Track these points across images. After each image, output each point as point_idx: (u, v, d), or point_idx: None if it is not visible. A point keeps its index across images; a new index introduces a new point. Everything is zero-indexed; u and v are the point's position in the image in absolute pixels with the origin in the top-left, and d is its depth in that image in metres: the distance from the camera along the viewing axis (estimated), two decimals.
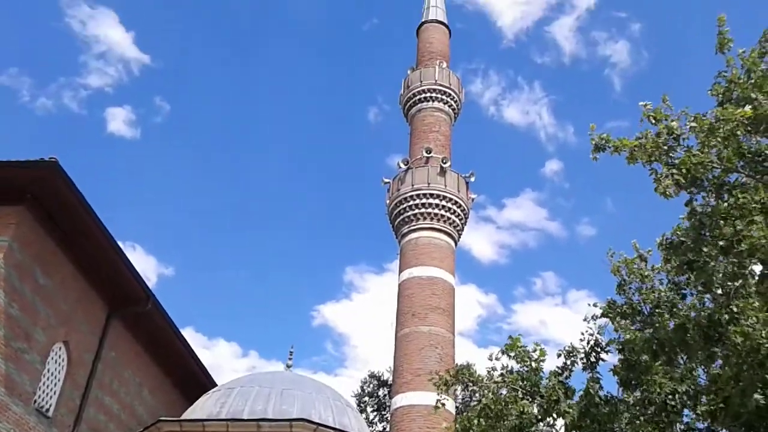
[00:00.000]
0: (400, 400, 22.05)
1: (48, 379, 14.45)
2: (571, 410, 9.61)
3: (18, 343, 13.35)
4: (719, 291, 10.22)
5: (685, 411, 10.77)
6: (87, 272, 15.50)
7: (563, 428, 10.33)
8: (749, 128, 9.37)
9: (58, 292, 14.63)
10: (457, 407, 21.54)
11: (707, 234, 9.79)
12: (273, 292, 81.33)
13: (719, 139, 9.13)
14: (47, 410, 14.31)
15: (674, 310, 11.09)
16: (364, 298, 74.37)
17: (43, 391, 14.28)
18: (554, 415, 10.35)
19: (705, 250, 9.69)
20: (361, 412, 28.86)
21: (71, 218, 14.19)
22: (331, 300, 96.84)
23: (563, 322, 69.28)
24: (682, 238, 10.24)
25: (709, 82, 10.00)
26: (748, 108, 8.85)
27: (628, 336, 10.86)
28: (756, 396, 8.44)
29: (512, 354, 11.26)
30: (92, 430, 15.79)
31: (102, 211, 14.43)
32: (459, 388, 13.65)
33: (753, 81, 9.45)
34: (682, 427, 10.43)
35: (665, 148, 9.33)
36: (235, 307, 77.70)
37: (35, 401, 13.92)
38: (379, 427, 31.02)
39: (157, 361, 18.96)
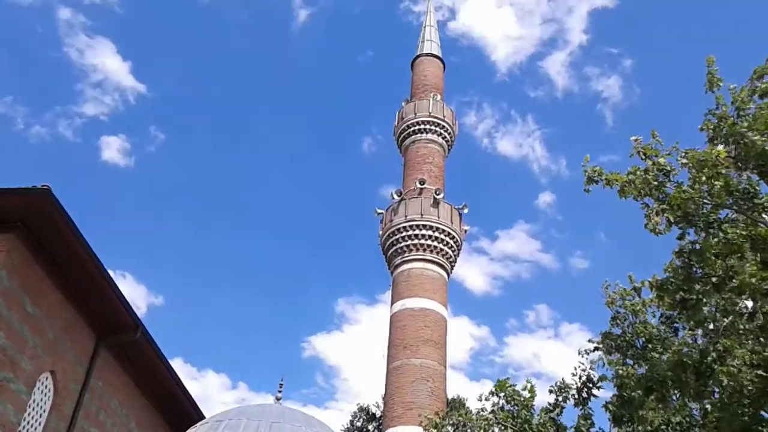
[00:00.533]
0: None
1: (33, 409, 14.20)
2: None
3: (4, 372, 13.15)
4: (711, 326, 10.24)
5: None
6: (76, 301, 15.36)
7: None
8: (739, 164, 9.48)
9: (46, 320, 14.47)
10: None
11: (698, 271, 9.83)
12: (264, 323, 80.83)
13: (704, 178, 9.23)
14: None
15: (666, 345, 11.09)
16: (355, 330, 73.95)
17: (28, 422, 14.03)
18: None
19: (697, 287, 9.73)
20: None
21: (62, 246, 14.11)
22: (322, 331, 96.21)
23: (556, 355, 68.94)
24: (672, 278, 10.28)
25: (700, 119, 10.16)
26: (722, 148, 8.97)
27: (621, 371, 10.83)
28: None
29: (501, 394, 11.22)
30: None
31: (94, 239, 14.36)
32: (450, 428, 13.53)
33: (742, 118, 9.59)
34: None
35: (655, 183, 9.42)
36: (225, 338, 77.09)
37: None
38: None
39: (145, 392, 18.68)
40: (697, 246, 9.49)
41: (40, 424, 14.37)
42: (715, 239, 9.22)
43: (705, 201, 9.58)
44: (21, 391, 13.71)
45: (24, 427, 13.87)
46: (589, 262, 77.34)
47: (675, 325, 11.86)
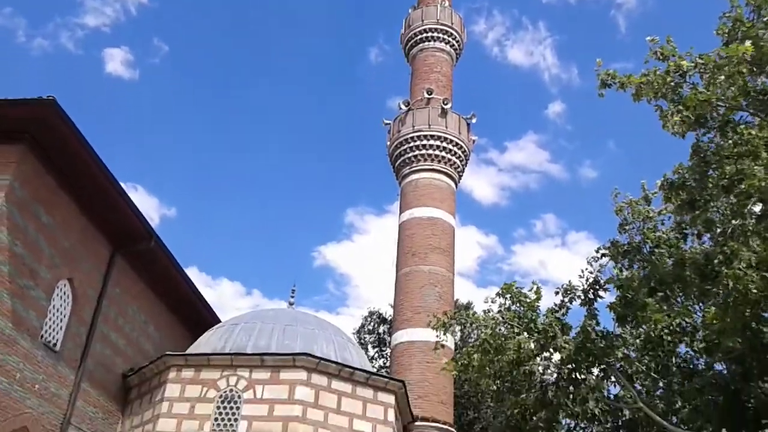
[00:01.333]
0: (400, 337, 22.47)
1: (54, 315, 14.67)
2: (567, 345, 9.80)
3: (23, 280, 13.51)
4: (719, 230, 10.30)
5: (681, 347, 11.02)
6: (89, 211, 15.55)
7: (560, 362, 10.56)
8: (754, 68, 9.27)
9: (61, 230, 14.71)
10: (456, 344, 21.93)
11: (711, 173, 9.81)
12: (275, 233, 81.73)
13: (723, 78, 9.04)
14: (54, 345, 14.58)
15: (673, 249, 11.20)
16: (365, 240, 74.80)
17: (50, 327, 14.52)
18: (551, 350, 10.57)
19: (708, 188, 9.73)
20: (362, 348, 29.41)
21: (71, 157, 14.14)
22: (331, 241, 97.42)
23: (562, 264, 69.87)
24: (684, 177, 10.27)
25: (714, 25, 9.86)
26: (748, 43, 8.73)
27: (627, 273, 11.01)
28: (737, 339, 8.62)
29: (508, 296, 11.43)
30: (99, 364, 16.15)
31: (102, 151, 14.35)
32: (458, 327, 13.90)
33: (760, 20, 9.30)
34: (678, 360, 10.69)
35: (672, 84, 9.24)
36: (238, 248, 78.22)
37: (42, 336, 14.18)
38: (379, 362, 31.68)
39: (162, 299, 19.22)
40: (712, 146, 9.43)
41: (61, 328, 14.87)
42: (730, 141, 9.15)
43: (720, 103, 9.43)
44: (41, 298, 14.13)
45: (46, 332, 14.36)
46: (598, 171, 77.08)
47: (684, 231, 11.93)
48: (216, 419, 15.87)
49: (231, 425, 15.76)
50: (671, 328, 10.18)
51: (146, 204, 67.75)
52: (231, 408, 16.00)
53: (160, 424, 15.84)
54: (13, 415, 13.21)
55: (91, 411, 15.84)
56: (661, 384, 10.81)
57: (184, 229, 75.60)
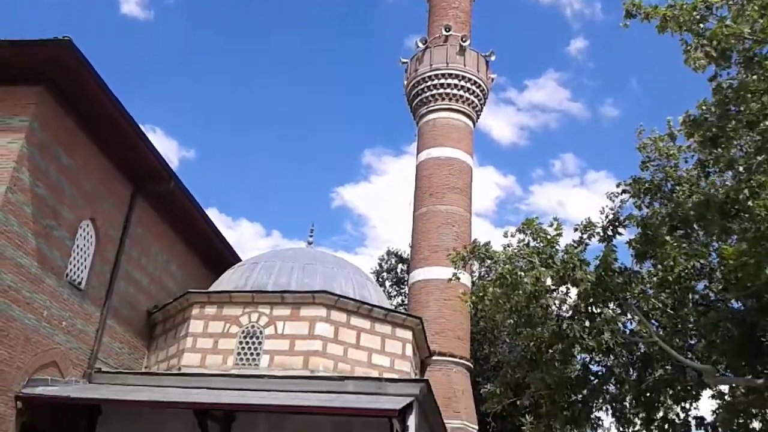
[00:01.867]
0: (417, 275, 22.76)
1: (78, 254, 14.98)
2: (585, 278, 9.85)
3: (46, 220, 13.75)
4: (741, 167, 10.19)
5: (699, 284, 11.06)
6: (109, 152, 15.66)
7: (577, 297, 10.66)
8: None
9: (81, 171, 14.87)
10: (473, 282, 22.18)
11: (733, 109, 9.63)
12: (293, 174, 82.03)
13: (756, 8, 8.76)
14: (79, 283, 14.95)
15: (694, 187, 11.11)
16: (382, 181, 74.89)
17: (74, 266, 14.86)
18: (569, 285, 10.66)
19: (730, 125, 9.58)
20: (380, 286, 29.83)
21: (89, 98, 14.15)
22: (349, 182, 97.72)
23: (581, 204, 69.71)
24: (706, 114, 10.11)
25: None
26: None
27: (648, 212, 10.96)
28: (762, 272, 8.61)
29: (528, 231, 11.43)
30: (123, 302, 16.57)
31: (119, 93, 14.34)
32: (475, 264, 14.00)
33: None
34: (696, 297, 10.75)
35: (697, 17, 8.99)
36: (257, 189, 78.77)
37: (67, 275, 14.52)
38: (397, 300, 32.15)
39: (183, 238, 19.52)
40: (735, 83, 9.22)
41: (85, 267, 15.22)
42: (755, 76, 8.94)
43: (747, 36, 9.17)
44: (64, 238, 14.41)
45: (71, 270, 14.71)
46: (619, 110, 75.90)
47: (707, 170, 11.80)
48: (239, 354, 16.34)
49: (254, 359, 16.22)
50: (688, 269, 10.20)
51: (165, 146, 68.19)
52: (253, 343, 16.44)
53: (185, 359, 16.35)
54: (43, 351, 13.68)
55: (117, 346, 16.36)
56: (676, 320, 10.90)
57: (204, 170, 76.13)
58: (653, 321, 10.95)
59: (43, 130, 13.57)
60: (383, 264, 35.11)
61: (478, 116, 26.56)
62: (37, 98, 13.44)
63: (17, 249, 12.90)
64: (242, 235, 71.03)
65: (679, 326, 10.76)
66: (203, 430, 13.29)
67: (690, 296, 10.61)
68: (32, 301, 13.32)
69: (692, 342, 11.36)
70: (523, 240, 11.20)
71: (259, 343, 16.42)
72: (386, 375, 15.87)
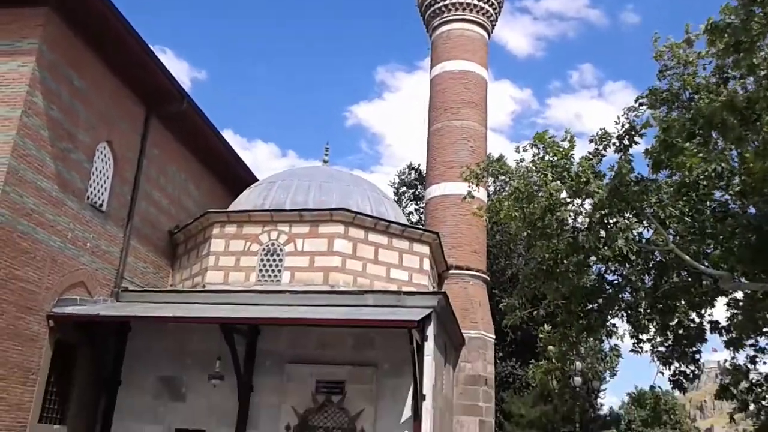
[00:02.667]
0: (433, 191, 22.80)
1: (97, 176, 15.14)
2: (600, 190, 9.80)
3: (63, 143, 13.82)
4: (763, 72, 9.90)
5: (716, 192, 10.98)
6: (120, 73, 15.53)
7: (591, 208, 10.65)
8: None
9: (94, 93, 14.80)
10: (489, 197, 22.20)
11: (757, 10, 9.26)
12: (307, 94, 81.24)
13: None
14: (101, 205, 15.18)
15: (713, 95, 10.84)
16: (396, 97, 74.00)
17: (94, 188, 15.05)
18: (583, 197, 10.62)
19: (754, 28, 9.24)
20: (398, 203, 29.97)
21: (96, 17, 13.89)
22: (363, 100, 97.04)
23: (598, 115, 68.61)
24: (729, 18, 9.74)
25: None
26: None
27: (665, 118, 10.75)
28: None
29: (541, 146, 11.29)
30: (145, 222, 16.86)
31: (127, 13, 14.11)
32: (490, 180, 13.93)
33: None
34: (713, 205, 10.69)
35: None
36: (271, 109, 78.32)
37: (88, 197, 14.74)
38: (416, 217, 32.35)
39: (200, 159, 19.60)
40: None
41: (105, 189, 15.41)
42: None
43: None
44: (82, 161, 14.52)
45: (92, 193, 14.91)
46: (640, 16, 73.32)
47: (726, 76, 11.47)
48: (261, 270, 16.70)
49: (275, 276, 16.59)
50: (707, 173, 10.10)
51: (176, 67, 67.66)
52: (274, 260, 16.76)
53: (208, 276, 16.75)
54: (70, 272, 14.07)
55: (141, 266, 16.77)
56: (693, 228, 10.89)
57: (216, 91, 75.77)
58: (669, 229, 10.94)
59: (52, 51, 13.43)
60: (404, 178, 35.06)
61: (493, 26, 25.81)
62: (44, 19, 13.24)
63: (37, 173, 13.06)
64: (258, 155, 71.35)
65: (696, 233, 10.75)
66: (229, 344, 13.76)
67: (707, 203, 10.54)
68: (56, 224, 13.60)
69: (708, 250, 11.39)
70: (537, 154, 11.07)
71: (280, 260, 16.74)
72: (405, 289, 16.20)
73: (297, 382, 14.35)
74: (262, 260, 16.80)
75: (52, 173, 13.49)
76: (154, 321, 14.88)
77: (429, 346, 14.01)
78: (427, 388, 13.67)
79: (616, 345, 14.50)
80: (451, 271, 21.14)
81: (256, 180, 20.86)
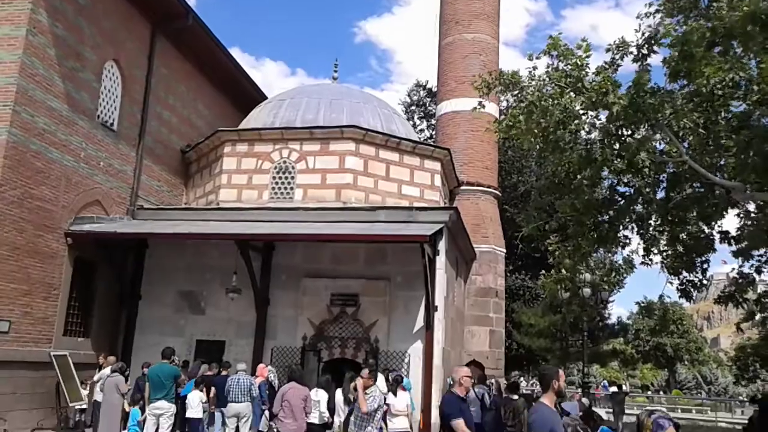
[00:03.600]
0: (444, 107, 22.53)
1: (106, 96, 15.05)
2: (618, 101, 9.63)
3: (70, 62, 13.68)
4: None
5: (733, 103, 10.77)
6: None
7: (606, 120, 10.50)
8: None
9: (99, 10, 14.51)
10: (500, 112, 21.96)
11: None
12: (314, 10, 78.93)
13: None
14: (111, 125, 15.17)
15: (735, 2, 10.46)
16: (406, 11, 71.85)
17: (104, 108, 15.00)
18: (599, 109, 10.46)
19: None
20: (409, 119, 29.70)
21: None
22: (372, 15, 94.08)
23: (615, 27, 66.50)
24: None
25: None
26: None
27: (685, 26, 10.42)
28: None
29: (555, 53, 10.99)
30: (156, 141, 16.87)
31: None
32: (502, 96, 13.68)
33: None
34: (728, 116, 10.51)
35: None
36: (279, 26, 76.39)
37: (98, 116, 14.71)
38: (427, 133, 32.13)
39: (208, 77, 19.36)
40: None
41: (115, 109, 15.35)
42: None
43: None
44: (91, 80, 14.40)
45: (102, 112, 14.87)
46: None
47: None
48: (273, 188, 16.81)
49: (288, 193, 16.71)
50: (724, 82, 9.88)
51: None
52: (286, 178, 16.84)
53: (221, 194, 16.91)
54: (85, 190, 14.24)
55: (155, 184, 16.91)
56: (707, 139, 10.76)
57: (222, 8, 73.53)
58: (684, 141, 10.82)
59: None
60: (412, 96, 34.61)
61: None
62: None
63: (46, 92, 13.00)
64: (267, 74, 70.26)
65: (710, 145, 10.64)
66: (245, 260, 14.04)
67: (722, 114, 10.36)
68: (68, 143, 13.65)
69: (722, 162, 11.29)
70: (552, 64, 10.81)
71: (292, 177, 16.81)
72: (416, 205, 16.31)
73: (312, 296, 14.73)
74: (274, 178, 16.88)
75: (61, 92, 13.42)
76: (171, 238, 15.15)
77: (440, 260, 14.26)
78: (438, 300, 14.02)
79: (629, 255, 14.61)
80: (462, 188, 21.19)
81: (266, 98, 20.67)
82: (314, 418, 9.41)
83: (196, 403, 11.56)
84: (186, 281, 15.53)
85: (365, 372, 8.23)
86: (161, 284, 15.60)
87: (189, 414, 11.59)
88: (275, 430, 9.68)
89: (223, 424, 11.39)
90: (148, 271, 15.86)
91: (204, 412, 11.74)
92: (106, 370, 12.09)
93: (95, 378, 13.05)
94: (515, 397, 11.28)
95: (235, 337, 15.02)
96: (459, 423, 5.75)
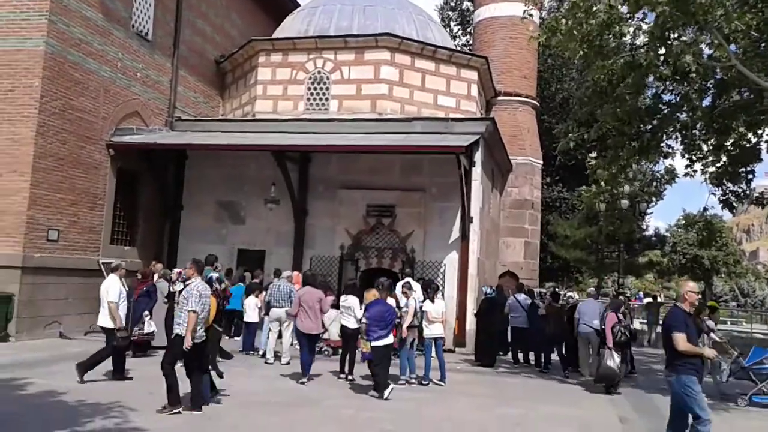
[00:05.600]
0: (483, 13, 21.76)
1: (139, 4, 14.87)
2: (664, 1, 9.15)
3: None
4: None
5: None
6: None
7: (653, 23, 10.04)
8: None
9: None
10: (542, 19, 21.16)
11: None
12: None
13: None
14: (146, 34, 15.07)
15: None
16: None
17: (138, 17, 14.85)
18: (645, 10, 10.00)
19: None
20: (445, 26, 28.84)
21: None
22: None
23: None
24: None
25: None
26: None
27: None
28: None
29: None
30: (191, 51, 16.76)
31: None
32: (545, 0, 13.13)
33: None
34: None
35: None
36: None
37: (133, 26, 14.61)
38: (462, 40, 31.21)
39: None
40: None
41: (149, 18, 15.19)
42: None
43: None
44: None
45: (136, 21, 14.73)
46: None
47: None
48: (308, 99, 16.72)
49: (323, 104, 16.62)
50: None
51: None
52: (321, 89, 16.70)
53: (257, 106, 16.90)
54: (123, 101, 14.35)
55: (192, 95, 16.94)
56: (759, 42, 10.25)
57: None
58: (732, 45, 10.33)
59: None
60: (448, 2, 33.37)
61: None
62: None
63: (80, 1, 12.90)
64: None
65: (761, 48, 10.15)
66: (283, 171, 14.18)
67: None
68: (105, 54, 13.66)
69: None
70: None
71: (327, 88, 16.66)
72: (452, 116, 16.09)
73: (348, 206, 14.89)
74: (309, 89, 16.76)
75: (95, 1, 13.32)
76: (211, 149, 15.31)
77: (476, 171, 14.19)
78: (474, 211, 14.06)
79: (671, 165, 14.39)
80: (499, 98, 20.77)
81: (298, 5, 20.21)
82: (349, 322, 9.76)
83: (252, 308, 12.05)
84: (225, 192, 15.81)
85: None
86: (201, 194, 15.92)
87: (247, 318, 12.10)
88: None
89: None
90: (188, 181, 16.16)
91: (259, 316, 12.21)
92: (154, 277, 12.58)
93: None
94: (558, 304, 12.36)
95: (275, 246, 15.38)
96: (681, 336, 5.68)
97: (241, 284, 13.06)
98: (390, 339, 8.73)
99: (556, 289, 13.56)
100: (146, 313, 10.38)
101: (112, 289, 8.56)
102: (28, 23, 12.18)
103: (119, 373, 8.61)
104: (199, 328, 6.85)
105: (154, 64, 15.30)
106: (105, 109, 13.78)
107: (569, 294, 18.60)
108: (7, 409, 6.74)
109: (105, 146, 13.83)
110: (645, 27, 10.55)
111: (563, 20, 10.28)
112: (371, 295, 9.31)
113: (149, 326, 10.42)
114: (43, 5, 12.15)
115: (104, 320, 8.57)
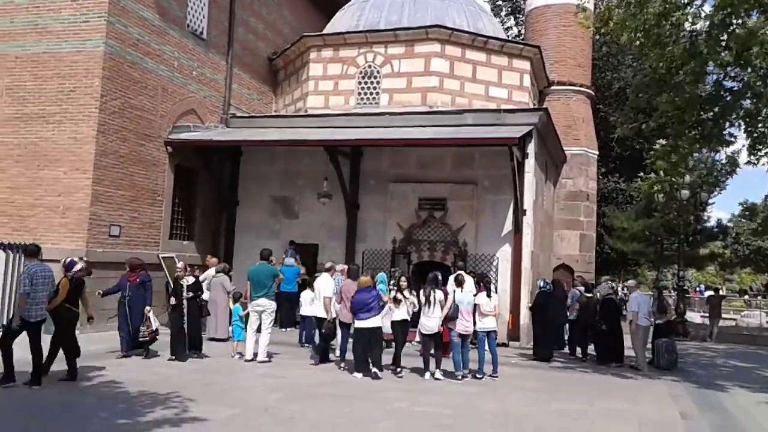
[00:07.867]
0: (535, 1, 21.40)
1: (194, 3, 15.16)
2: None
3: None
4: None
5: None
6: None
7: (713, 8, 9.70)
8: None
9: None
10: (595, 5, 20.66)
11: None
12: None
13: None
14: (201, 33, 15.37)
15: None
16: None
17: (193, 16, 15.15)
18: None
19: None
20: (496, 15, 28.44)
21: None
22: None
23: None
24: None
25: None
26: None
27: None
28: None
29: None
30: (244, 49, 17.03)
31: None
32: None
33: None
34: None
35: None
36: None
37: (188, 25, 14.92)
38: (515, 30, 30.75)
39: None
40: None
41: (204, 17, 15.49)
42: None
43: None
44: None
45: (191, 20, 15.03)
46: None
47: None
48: (359, 93, 16.79)
49: (374, 98, 16.66)
50: None
51: None
52: (371, 83, 16.74)
53: (309, 101, 17.06)
54: (180, 99, 14.69)
55: (246, 93, 17.22)
56: None
57: None
58: None
59: None
60: None
61: None
62: None
63: (137, 1, 13.24)
64: None
65: None
66: (335, 165, 14.28)
67: None
68: (161, 53, 14.00)
69: None
70: None
71: (377, 82, 16.69)
72: (504, 107, 15.89)
73: (400, 200, 14.90)
74: (359, 83, 16.82)
75: (151, 2, 13.65)
76: (265, 145, 15.53)
77: (529, 163, 14.00)
78: (527, 204, 13.88)
79: (733, 153, 13.81)
80: (552, 87, 20.41)
81: (349, 0, 20.26)
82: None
83: (308, 301, 12.19)
84: (279, 187, 16.03)
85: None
86: (256, 190, 16.18)
87: (302, 312, 12.16)
88: None
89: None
90: (243, 177, 16.44)
91: None
92: (211, 271, 12.86)
93: (201, 278, 13.90)
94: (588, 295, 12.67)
95: (328, 240, 15.52)
96: None
97: (295, 266, 13.98)
98: (377, 322, 9.39)
99: (609, 282, 13.31)
100: (148, 308, 10.28)
101: (328, 286, 10.51)
102: (88, 25, 12.58)
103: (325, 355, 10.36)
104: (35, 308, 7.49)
105: (209, 62, 15.60)
106: (163, 107, 14.14)
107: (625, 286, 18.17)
108: (73, 400, 7.02)
109: (163, 143, 14.19)
110: (704, 14, 10.17)
111: (617, 9, 10.01)
112: (363, 282, 9.58)
113: (154, 322, 10.31)
114: (101, 7, 12.52)
115: (319, 311, 10.74)
